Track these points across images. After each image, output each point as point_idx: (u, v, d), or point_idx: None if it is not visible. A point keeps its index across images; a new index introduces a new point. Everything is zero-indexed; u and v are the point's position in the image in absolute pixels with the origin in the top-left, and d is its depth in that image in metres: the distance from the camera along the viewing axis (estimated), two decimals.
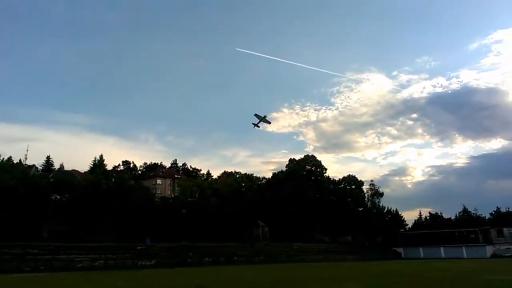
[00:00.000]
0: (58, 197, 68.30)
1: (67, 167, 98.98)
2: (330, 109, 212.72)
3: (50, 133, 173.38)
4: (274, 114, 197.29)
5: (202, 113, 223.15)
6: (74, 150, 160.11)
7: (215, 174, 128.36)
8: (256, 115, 76.10)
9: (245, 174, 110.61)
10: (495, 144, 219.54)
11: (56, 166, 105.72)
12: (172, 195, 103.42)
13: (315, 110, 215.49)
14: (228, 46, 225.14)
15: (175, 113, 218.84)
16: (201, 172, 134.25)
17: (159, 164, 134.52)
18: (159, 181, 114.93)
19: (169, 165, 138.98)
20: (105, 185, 71.06)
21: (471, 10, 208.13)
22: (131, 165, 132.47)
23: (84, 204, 62.21)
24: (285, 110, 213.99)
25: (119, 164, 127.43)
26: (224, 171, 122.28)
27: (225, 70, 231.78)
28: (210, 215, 74.50)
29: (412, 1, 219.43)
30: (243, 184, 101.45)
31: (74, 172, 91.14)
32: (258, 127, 79.23)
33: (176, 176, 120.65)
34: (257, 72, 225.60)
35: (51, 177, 78.98)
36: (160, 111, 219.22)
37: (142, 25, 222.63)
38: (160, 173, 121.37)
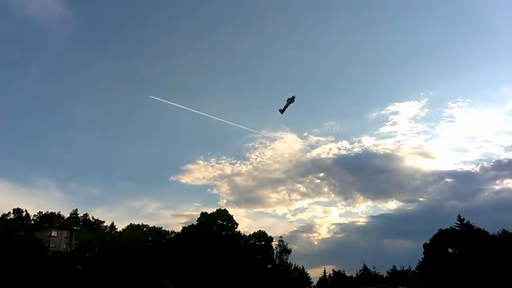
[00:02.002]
0: None
1: None
2: (244, 164, 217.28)
3: None
4: (189, 166, 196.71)
5: (109, 161, 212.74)
6: None
7: (121, 226, 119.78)
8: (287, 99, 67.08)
9: (154, 227, 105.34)
10: (391, 205, 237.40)
11: None
12: (68, 249, 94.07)
13: (231, 164, 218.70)
14: (144, 94, 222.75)
15: (79, 159, 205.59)
16: (104, 224, 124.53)
17: (56, 213, 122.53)
18: (54, 233, 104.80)
19: (68, 215, 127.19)
20: None
21: (371, 83, 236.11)
22: (24, 213, 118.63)
23: None
24: (201, 162, 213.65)
25: (9, 212, 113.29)
26: (131, 223, 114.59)
27: (138, 117, 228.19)
28: (110, 272, 68.73)
29: (318, 73, 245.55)
30: (150, 238, 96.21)
31: None
32: (282, 112, 68.81)
33: (75, 227, 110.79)
34: (174, 123, 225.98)
35: None
36: (62, 156, 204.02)
37: (47, 62, 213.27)
38: (57, 224, 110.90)
